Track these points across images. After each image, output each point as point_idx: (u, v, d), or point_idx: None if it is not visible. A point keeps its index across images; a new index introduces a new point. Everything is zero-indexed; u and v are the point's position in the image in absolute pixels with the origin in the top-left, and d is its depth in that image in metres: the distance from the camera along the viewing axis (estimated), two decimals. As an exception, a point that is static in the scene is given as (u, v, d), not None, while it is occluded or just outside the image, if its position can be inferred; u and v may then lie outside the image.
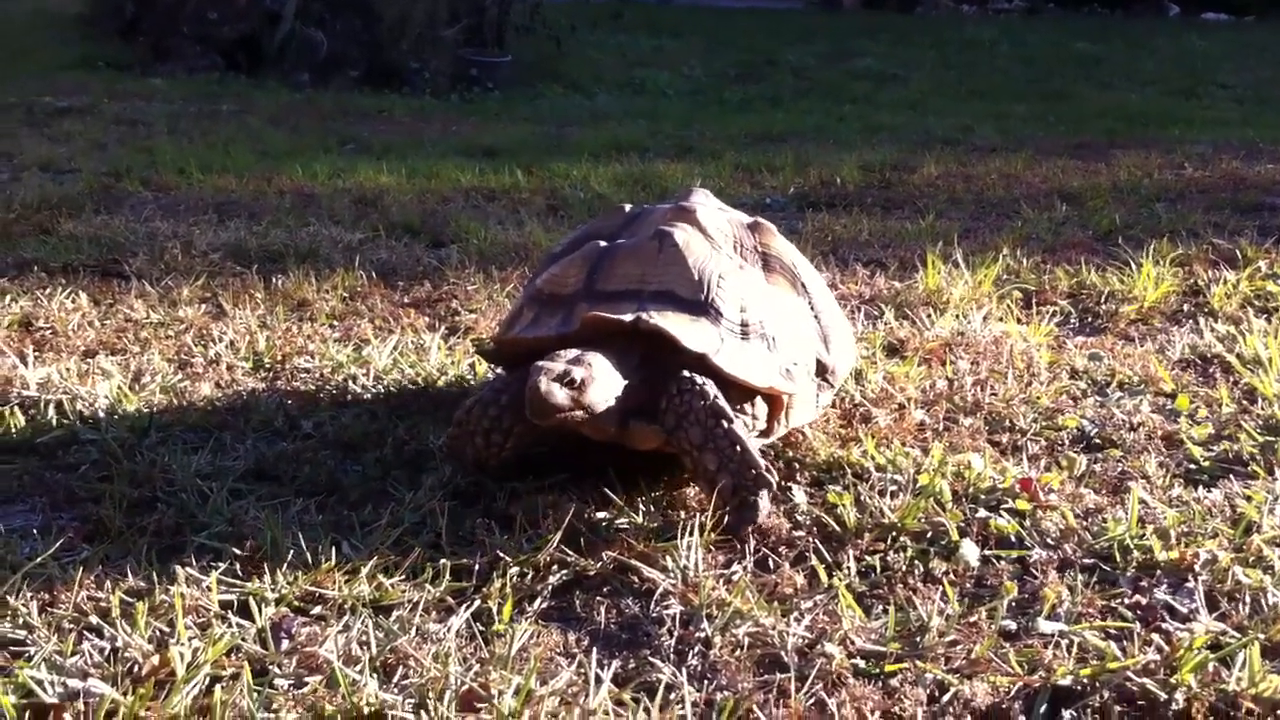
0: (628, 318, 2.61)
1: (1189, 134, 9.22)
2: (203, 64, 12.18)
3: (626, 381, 2.57)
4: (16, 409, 3.09)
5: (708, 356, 2.58)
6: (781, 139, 8.99)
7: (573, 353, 2.51)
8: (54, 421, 3.04)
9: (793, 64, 14.86)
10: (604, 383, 2.49)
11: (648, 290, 2.71)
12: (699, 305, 2.68)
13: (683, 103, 12.08)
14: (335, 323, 4.05)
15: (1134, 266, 4.61)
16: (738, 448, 2.50)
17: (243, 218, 5.63)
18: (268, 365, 3.57)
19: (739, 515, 2.50)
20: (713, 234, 2.90)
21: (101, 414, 3.09)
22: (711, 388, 2.53)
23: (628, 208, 3.14)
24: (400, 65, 12.25)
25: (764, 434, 2.76)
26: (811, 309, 2.97)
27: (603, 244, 2.87)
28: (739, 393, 2.64)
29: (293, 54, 12.20)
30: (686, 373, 2.55)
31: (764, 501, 2.52)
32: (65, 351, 3.61)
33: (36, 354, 3.55)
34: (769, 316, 2.76)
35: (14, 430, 2.99)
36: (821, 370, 2.90)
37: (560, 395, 2.42)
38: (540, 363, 2.46)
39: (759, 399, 2.71)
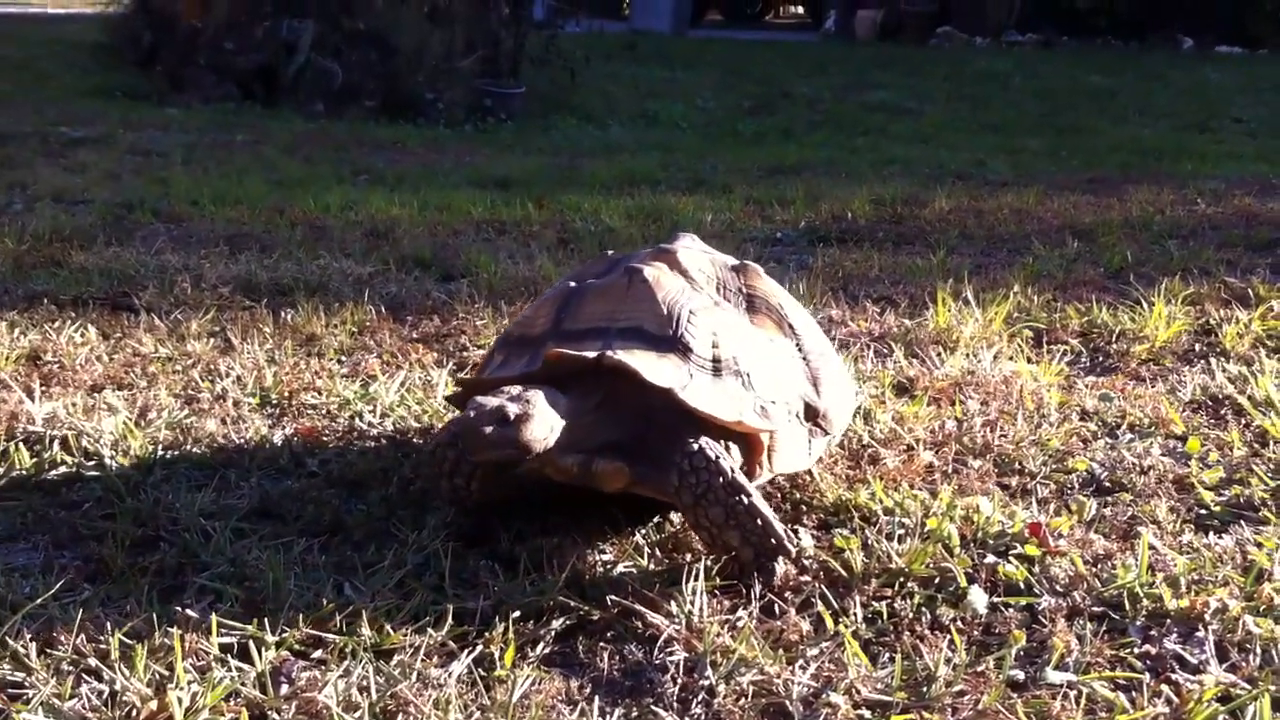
0: (591, 354, 2.57)
1: (1202, 169, 9.20)
2: (219, 94, 12.24)
3: (585, 419, 2.54)
4: (21, 445, 3.09)
5: (674, 391, 2.52)
6: (794, 171, 8.99)
7: (515, 389, 2.47)
8: (59, 458, 3.04)
9: (807, 96, 14.89)
10: (544, 420, 2.43)
11: (615, 327, 2.66)
12: (667, 340, 2.62)
13: (696, 135, 12.11)
14: (343, 358, 4.04)
15: (1145, 305, 4.59)
16: (759, 521, 2.46)
17: (254, 250, 5.64)
18: (274, 401, 3.56)
19: (754, 579, 2.46)
20: (694, 275, 2.87)
21: (106, 450, 3.08)
22: (725, 459, 2.48)
23: (611, 254, 3.12)
24: (415, 96, 12.29)
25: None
26: (799, 350, 2.90)
27: (573, 284, 2.85)
28: (714, 433, 2.57)
29: (308, 84, 12.26)
30: (694, 443, 2.49)
31: (781, 566, 2.49)
32: (72, 386, 3.61)
33: (43, 388, 3.55)
34: (745, 354, 2.69)
35: (19, 466, 2.98)
36: (812, 414, 2.83)
37: (493, 432, 2.37)
38: (477, 398, 2.44)
39: (734, 440, 2.64)
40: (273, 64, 12.41)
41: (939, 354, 4.10)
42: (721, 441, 2.55)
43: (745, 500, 2.46)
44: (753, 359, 2.70)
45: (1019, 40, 22.71)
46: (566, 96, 13.52)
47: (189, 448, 3.16)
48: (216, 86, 12.30)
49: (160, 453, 3.10)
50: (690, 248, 3.02)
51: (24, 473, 2.96)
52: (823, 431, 2.87)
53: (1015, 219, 6.92)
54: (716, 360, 2.64)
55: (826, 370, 2.94)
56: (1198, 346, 4.33)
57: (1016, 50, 21.78)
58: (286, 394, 3.60)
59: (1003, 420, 3.44)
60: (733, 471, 2.48)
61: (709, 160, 9.67)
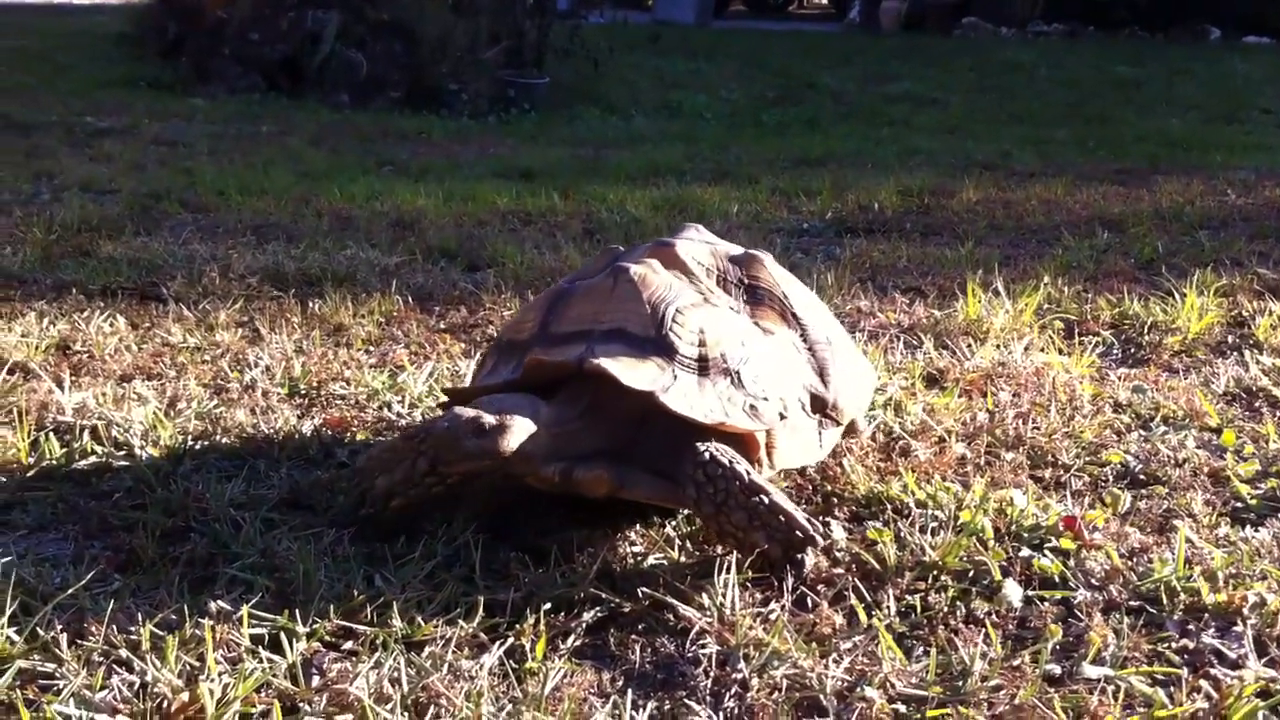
0: (571, 359, 2.54)
1: (1231, 160, 9.11)
2: (244, 84, 12.25)
3: (570, 426, 2.52)
4: (52, 435, 3.09)
5: (654, 395, 2.48)
6: (819, 163, 8.95)
7: (497, 398, 2.47)
8: (89, 448, 3.04)
9: (831, 87, 14.81)
10: (522, 429, 2.42)
11: (599, 330, 2.61)
12: (651, 342, 2.57)
13: (720, 126, 12.05)
14: (371, 348, 4.04)
15: (1177, 296, 4.55)
16: (782, 517, 2.43)
17: (281, 240, 5.64)
18: (303, 391, 3.56)
19: (784, 572, 2.44)
20: (692, 268, 2.83)
21: (136, 440, 3.08)
22: (740, 463, 2.45)
23: (614, 249, 3.09)
24: (440, 87, 12.27)
25: None
26: (805, 340, 2.86)
27: (563, 285, 2.82)
28: (708, 434, 2.52)
29: (333, 75, 12.25)
30: (705, 451, 2.45)
31: (810, 557, 2.47)
32: (102, 376, 3.61)
33: (73, 378, 3.55)
34: (737, 350, 2.63)
35: (49, 456, 2.98)
36: (820, 405, 2.78)
37: (470, 443, 2.37)
38: (455, 409, 2.43)
39: (728, 440, 2.56)
40: (297, 55, 12.40)
41: (969, 345, 4.07)
42: (711, 439, 2.51)
43: (766, 500, 2.43)
44: (745, 355, 2.64)
45: (1044, 31, 22.55)
46: (590, 87, 13.46)
47: (218, 438, 3.16)
48: (241, 77, 12.30)
49: (190, 443, 3.10)
50: (693, 240, 2.99)
51: (54, 463, 2.96)
52: (833, 422, 2.82)
53: (1044, 210, 6.87)
54: (704, 359, 2.59)
55: (836, 359, 2.87)
56: (1231, 338, 4.29)
57: (1042, 41, 21.63)
58: (315, 384, 3.59)
59: (1035, 412, 3.41)
60: (748, 474, 2.45)
61: (733, 151, 9.63)
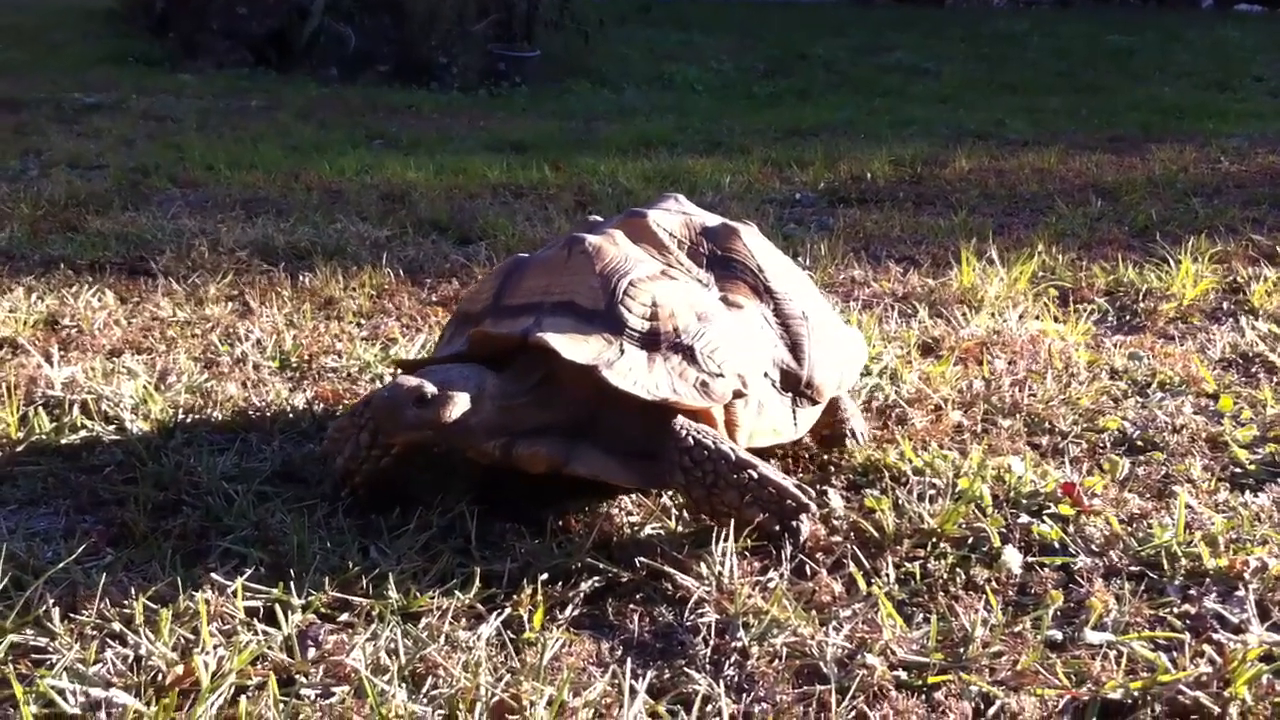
0: (517, 332, 2.48)
1: (1223, 127, 9.10)
2: (232, 59, 12.19)
3: (519, 400, 2.47)
4: (41, 409, 3.06)
5: (596, 369, 2.40)
6: (811, 133, 8.92)
7: (442, 369, 2.42)
8: (78, 422, 3.01)
9: (823, 58, 14.76)
10: (464, 401, 2.37)
11: (549, 302, 2.55)
12: (599, 315, 2.50)
13: (711, 98, 12.01)
14: (362, 321, 4.01)
15: (1172, 263, 4.53)
16: (772, 489, 2.40)
17: (270, 214, 5.61)
18: (294, 364, 3.53)
19: (782, 541, 2.42)
20: (663, 240, 2.75)
21: (126, 415, 3.06)
22: (724, 441, 2.41)
23: (593, 218, 3.02)
24: (429, 60, 12.21)
25: None
26: (779, 315, 2.74)
27: (521, 256, 2.76)
28: (669, 411, 2.45)
29: (321, 49, 12.20)
30: (685, 434, 2.39)
31: (806, 524, 2.44)
32: (91, 350, 3.58)
33: (62, 353, 3.52)
34: (693, 324, 2.54)
35: (39, 431, 2.95)
36: (793, 382, 2.68)
37: (410, 413, 2.32)
38: (398, 378, 2.38)
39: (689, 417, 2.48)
40: (286, 29, 12.34)
41: (964, 314, 4.05)
42: (677, 417, 2.44)
43: (755, 474, 2.39)
44: (702, 329, 2.55)
45: (1036, 0, 22.49)
46: (581, 60, 13.40)
47: (209, 412, 3.13)
48: (230, 52, 12.24)
49: (181, 416, 3.07)
50: (669, 210, 2.90)
51: (44, 437, 2.93)
52: (809, 400, 2.72)
53: (1037, 178, 6.85)
54: (655, 333, 2.51)
55: (813, 335, 2.76)
56: (1226, 305, 4.28)
57: (1034, 10, 21.61)
58: (306, 357, 3.57)
59: (1031, 379, 3.40)
60: (734, 451, 2.41)
61: (725, 123, 9.59)
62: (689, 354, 2.50)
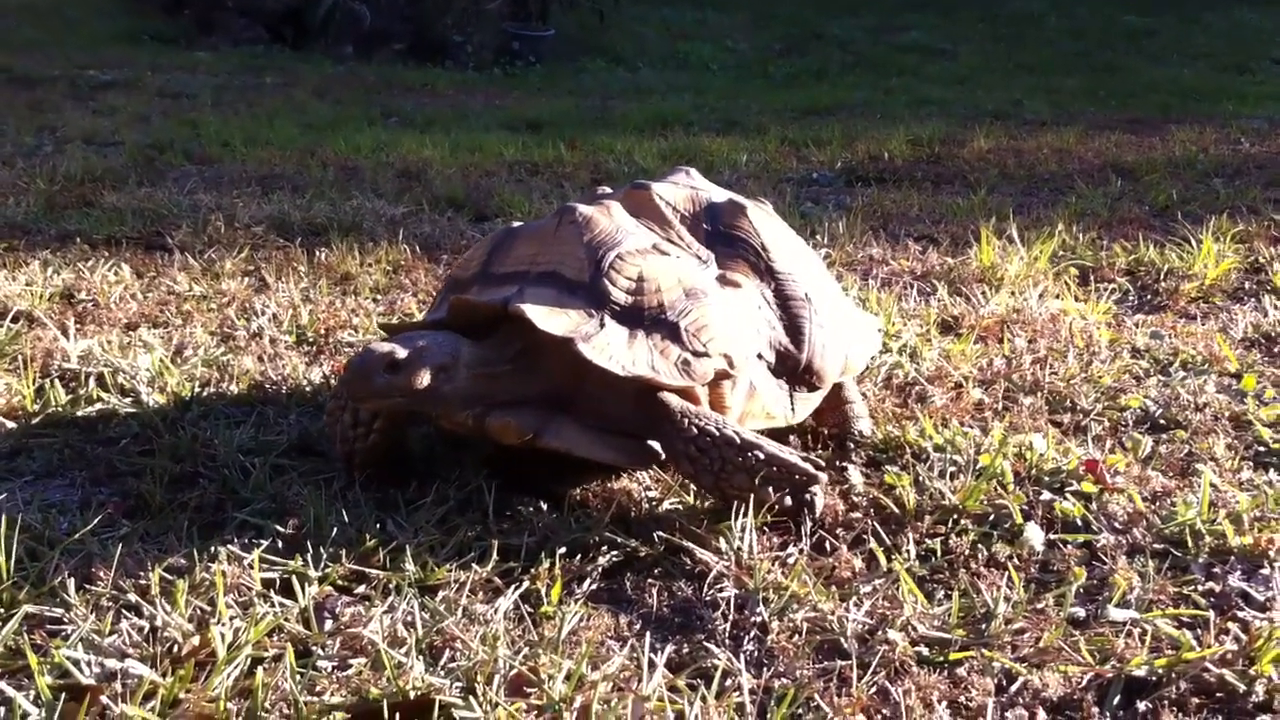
0: (498, 301, 2.43)
1: (1242, 109, 9.04)
2: (247, 36, 12.18)
3: (498, 369, 2.43)
4: (57, 382, 3.05)
5: (572, 342, 2.35)
6: (828, 113, 8.87)
7: (415, 335, 2.37)
8: (95, 395, 3.00)
9: (839, 37, 14.69)
10: (435, 367, 2.32)
11: (534, 272, 2.51)
12: (582, 286, 2.45)
13: (727, 77, 11.96)
14: (378, 296, 3.99)
15: (1193, 243, 4.49)
16: (778, 467, 2.36)
17: (286, 190, 5.59)
18: (311, 339, 3.52)
19: (798, 515, 2.39)
20: (665, 213, 2.69)
21: (143, 387, 3.05)
22: (728, 426, 2.37)
23: (603, 190, 2.94)
24: (444, 39, 12.19)
25: None
26: (779, 296, 2.67)
27: (514, 225, 2.72)
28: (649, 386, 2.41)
29: (336, 27, 12.17)
30: (687, 422, 2.35)
31: (820, 495, 2.40)
32: (107, 324, 3.57)
33: (78, 326, 3.52)
34: (681, 301, 2.48)
35: (55, 403, 2.95)
36: (789, 366, 2.62)
37: (380, 379, 2.28)
38: (371, 343, 2.35)
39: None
40: (301, 6, 12.32)
41: (984, 292, 4.02)
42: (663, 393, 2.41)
43: (761, 454, 2.35)
44: (689, 306, 2.49)
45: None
46: (595, 39, 13.36)
47: (226, 385, 3.12)
48: (245, 30, 12.23)
49: (197, 389, 3.06)
50: (677, 184, 2.84)
51: (60, 409, 2.93)
52: (806, 385, 2.65)
53: (1056, 158, 6.81)
54: (639, 308, 2.46)
55: (816, 318, 2.68)
56: (1247, 284, 4.25)
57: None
58: (323, 331, 3.56)
59: (1052, 358, 3.37)
60: (738, 434, 2.36)
61: (741, 102, 9.55)
62: (673, 331, 2.45)
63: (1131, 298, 4.14)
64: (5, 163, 6.10)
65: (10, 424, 2.85)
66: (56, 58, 10.68)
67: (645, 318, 2.45)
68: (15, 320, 3.54)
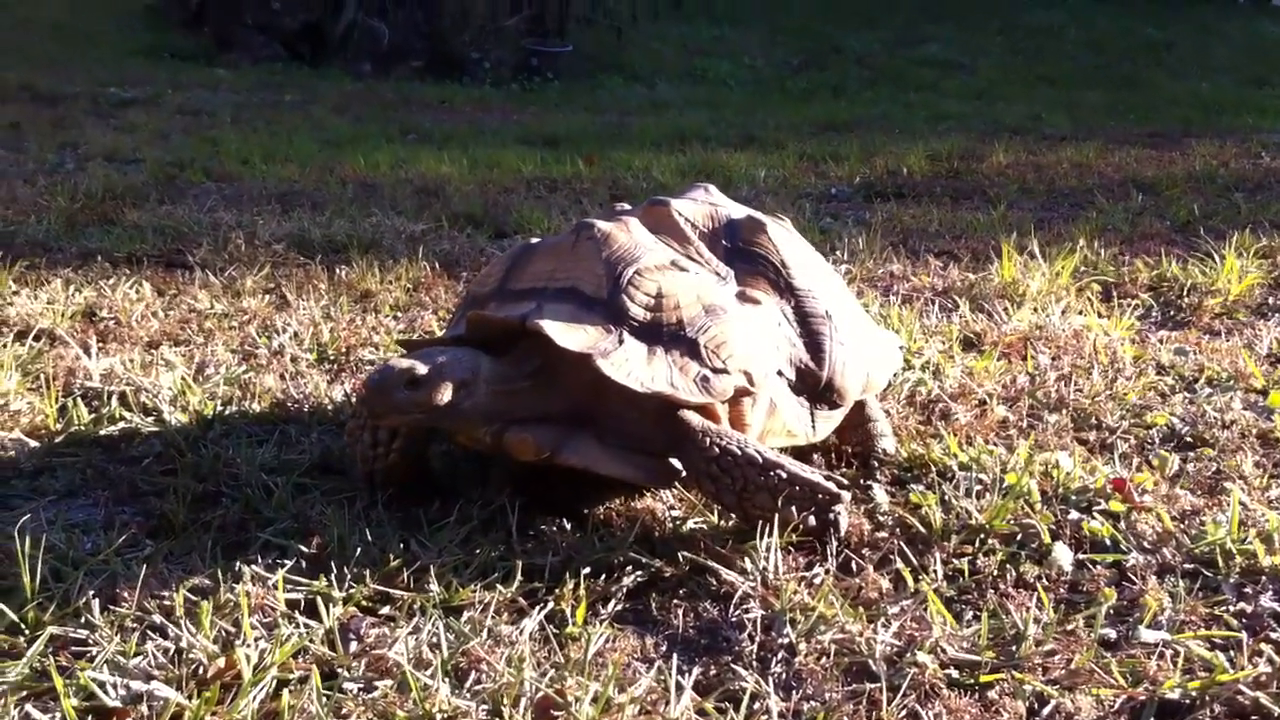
0: (516, 317, 2.42)
1: (1263, 123, 9.01)
2: (266, 54, 12.23)
3: (517, 386, 2.41)
4: (79, 400, 3.05)
5: (591, 358, 2.33)
6: (846, 128, 8.87)
7: (436, 351, 2.36)
8: (117, 413, 3.00)
9: (856, 52, 14.70)
10: (456, 383, 2.32)
11: (552, 287, 2.49)
12: (601, 303, 2.43)
13: (744, 92, 11.97)
14: (399, 314, 3.99)
15: (1216, 258, 4.47)
16: (800, 487, 2.34)
17: (306, 208, 5.61)
18: (332, 357, 3.52)
19: (823, 535, 2.37)
20: (683, 229, 2.67)
21: (165, 406, 3.04)
22: (750, 445, 2.34)
23: (621, 206, 2.92)
24: (461, 55, 12.23)
25: None
26: (799, 313, 2.64)
27: (532, 241, 2.71)
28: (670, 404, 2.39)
29: (355, 44, 12.22)
30: (709, 442, 2.33)
31: (844, 514, 2.39)
32: (129, 342, 3.57)
33: (100, 345, 3.52)
34: (700, 318, 2.46)
35: (78, 422, 2.94)
36: (810, 383, 2.60)
37: (400, 394, 2.27)
38: (390, 359, 2.34)
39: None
40: (319, 24, 12.38)
41: (1005, 308, 4.00)
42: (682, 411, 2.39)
43: (783, 473, 2.33)
44: (708, 323, 2.46)
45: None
46: (613, 55, 13.39)
47: (248, 403, 3.11)
48: (264, 47, 12.28)
49: (219, 408, 3.06)
50: (696, 200, 2.82)
51: (82, 428, 2.92)
52: (827, 403, 2.63)
53: (1076, 173, 6.79)
54: (657, 324, 2.43)
55: (836, 335, 2.65)
56: (1271, 300, 4.22)
57: (1070, 2, 21.41)
58: (344, 350, 3.55)
59: (1076, 374, 3.35)
60: (759, 453, 2.34)
61: (758, 117, 9.56)
62: (692, 347, 2.43)
63: (1155, 314, 4.11)
64: (27, 180, 6.13)
65: (34, 443, 2.85)
66: (78, 75, 10.74)
67: (664, 334, 2.43)
68: (37, 339, 3.54)
